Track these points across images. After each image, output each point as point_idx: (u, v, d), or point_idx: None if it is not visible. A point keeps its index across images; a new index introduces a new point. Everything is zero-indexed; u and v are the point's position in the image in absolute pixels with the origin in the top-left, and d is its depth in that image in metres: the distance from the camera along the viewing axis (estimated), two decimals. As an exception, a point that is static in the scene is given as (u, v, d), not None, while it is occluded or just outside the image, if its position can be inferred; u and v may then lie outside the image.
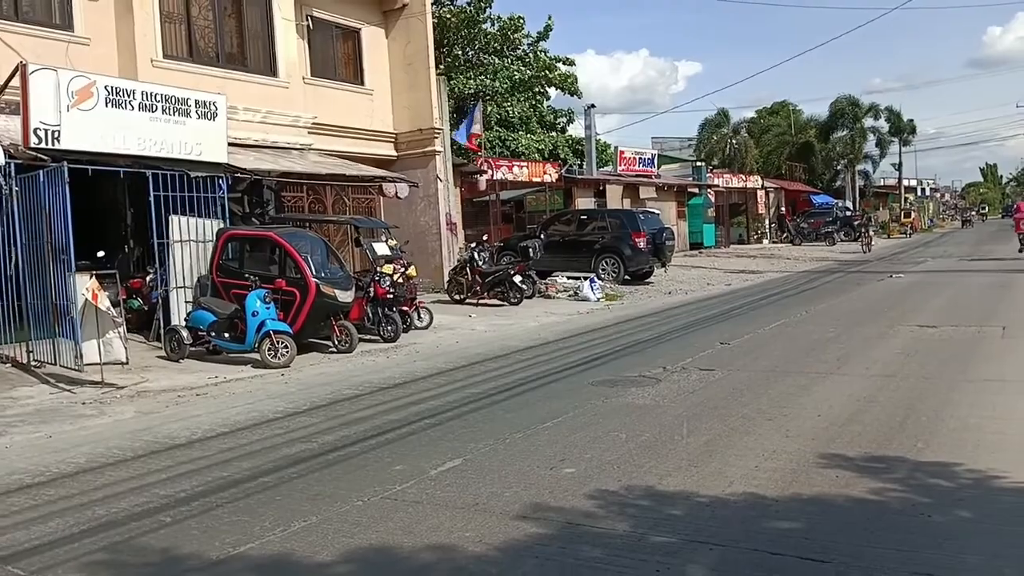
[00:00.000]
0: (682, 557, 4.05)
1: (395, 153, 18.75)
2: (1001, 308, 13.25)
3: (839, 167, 55.62)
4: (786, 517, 4.55)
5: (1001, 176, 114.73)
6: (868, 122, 54.48)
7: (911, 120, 58.84)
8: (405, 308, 12.63)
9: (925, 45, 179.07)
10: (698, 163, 39.18)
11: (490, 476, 5.38)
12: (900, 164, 61.38)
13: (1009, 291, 15.84)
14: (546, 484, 5.17)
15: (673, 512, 4.66)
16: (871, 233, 33.75)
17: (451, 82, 26.30)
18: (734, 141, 47.91)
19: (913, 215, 51.94)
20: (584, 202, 27.58)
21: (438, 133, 18.50)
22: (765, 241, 39.88)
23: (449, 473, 5.48)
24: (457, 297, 16.28)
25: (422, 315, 13.23)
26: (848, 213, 44.73)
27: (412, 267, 13.42)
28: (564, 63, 32.01)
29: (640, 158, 33.14)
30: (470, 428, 6.71)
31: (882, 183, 64.78)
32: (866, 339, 10.64)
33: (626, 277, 19.75)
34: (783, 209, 44.85)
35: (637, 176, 32.03)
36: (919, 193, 74.87)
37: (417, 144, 18.52)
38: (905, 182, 65.09)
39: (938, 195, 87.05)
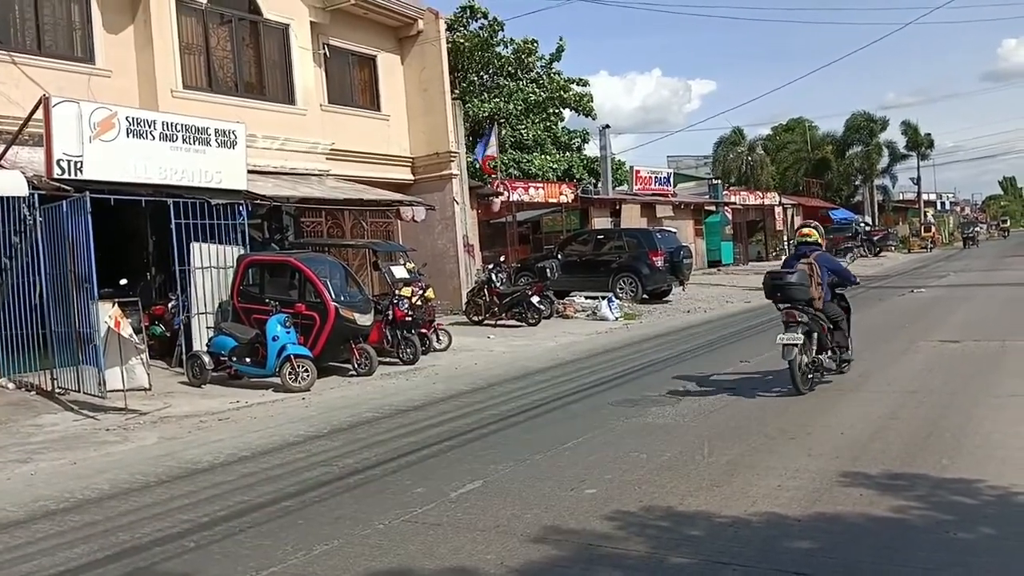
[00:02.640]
0: (704, 579, 4.02)
1: (412, 177, 18.89)
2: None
3: (857, 183, 55.34)
4: (809, 537, 4.51)
5: (1021, 188, 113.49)
6: (884, 137, 54.35)
7: (928, 134, 58.63)
8: (424, 330, 12.68)
9: (939, 59, 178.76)
10: (714, 181, 39.12)
11: (510, 498, 5.38)
12: (919, 178, 60.97)
13: (1033, 304, 15.65)
14: (567, 506, 5.16)
15: (694, 533, 4.63)
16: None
17: (466, 105, 26.52)
18: (750, 158, 47.85)
19: (933, 229, 51.47)
20: (600, 222, 27.60)
21: (454, 156, 18.64)
22: (784, 257, 39.63)
23: (469, 495, 5.49)
24: (475, 319, 16.32)
25: (441, 337, 13.27)
26: (868, 228, 44.44)
27: (430, 289, 13.49)
28: (578, 84, 32.17)
29: (656, 177, 33.15)
30: (490, 450, 6.72)
31: (901, 198, 64.32)
32: (888, 355, 10.55)
33: (644, 296, 19.71)
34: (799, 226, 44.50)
35: (653, 195, 32.02)
36: (938, 207, 73.92)
37: (434, 168, 18.67)
38: (924, 196, 64.60)
39: (958, 208, 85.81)
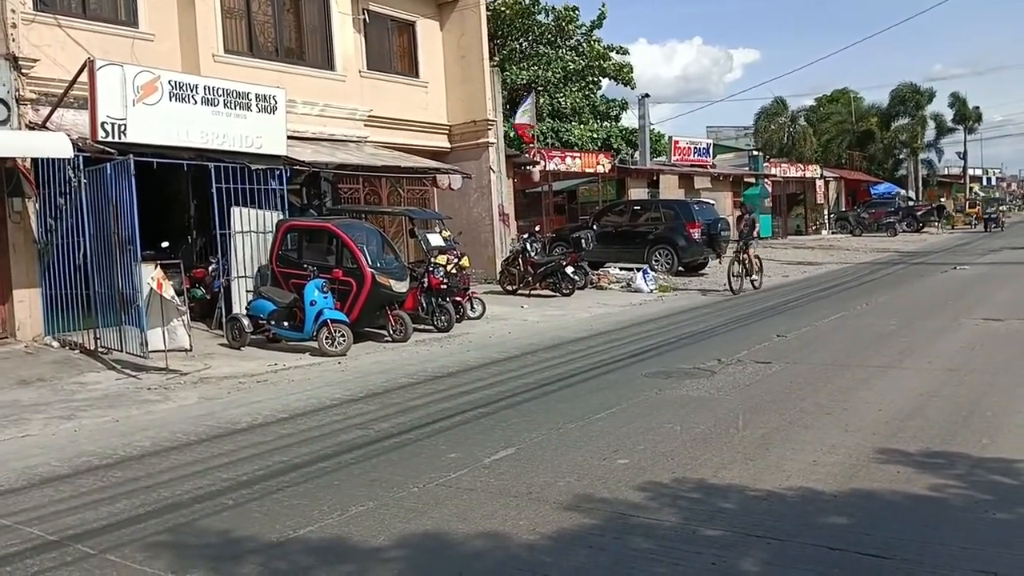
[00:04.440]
0: (737, 551, 4.02)
1: (449, 145, 18.86)
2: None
3: (901, 156, 54.01)
4: (845, 512, 4.47)
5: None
6: (930, 109, 52.88)
7: (977, 107, 56.92)
8: (458, 298, 12.73)
9: (990, 30, 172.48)
10: (755, 152, 38.44)
11: (543, 466, 5.41)
12: (965, 152, 59.37)
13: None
14: (599, 475, 5.17)
15: (727, 506, 4.62)
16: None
17: (504, 73, 26.30)
18: (792, 130, 46.89)
19: (978, 205, 49.98)
20: (637, 192, 27.35)
21: (491, 124, 18.56)
22: (824, 232, 38.98)
23: (502, 462, 5.53)
24: (509, 288, 16.34)
25: (475, 305, 13.32)
26: (911, 203, 43.45)
27: (465, 258, 13.51)
28: (617, 52, 31.69)
29: (695, 147, 32.68)
30: (523, 418, 6.75)
31: (946, 172, 62.66)
32: (929, 332, 10.35)
33: (680, 268, 19.54)
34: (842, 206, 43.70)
35: (692, 166, 31.60)
36: (984, 183, 71.70)
37: (471, 136, 18.61)
38: (970, 171, 62.89)
39: (1004, 184, 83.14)
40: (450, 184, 17.00)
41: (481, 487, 5.04)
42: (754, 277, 16.36)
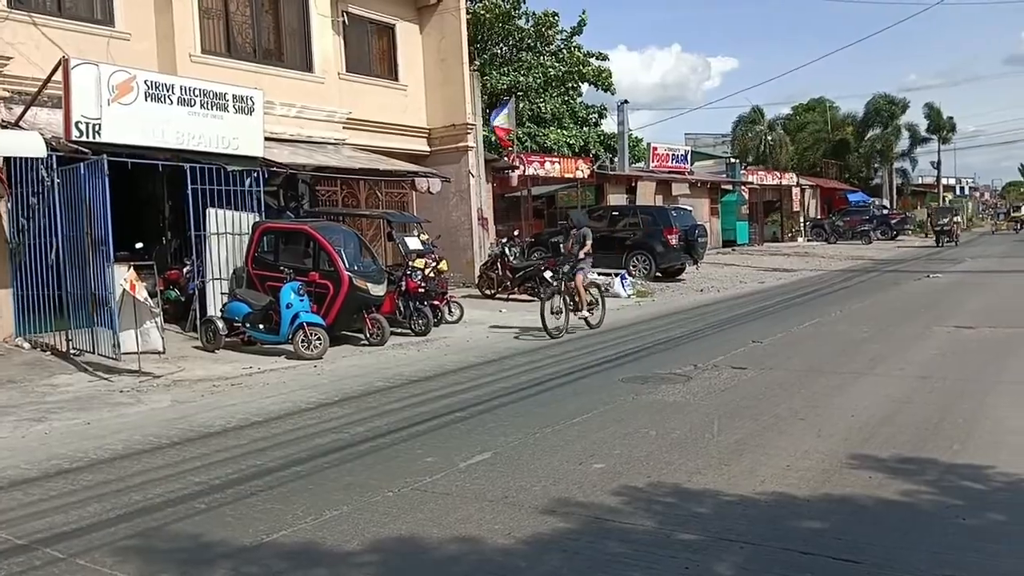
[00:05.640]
0: (710, 554, 4.03)
1: (428, 148, 18.83)
2: (1042, 310, 12.96)
3: (876, 165, 54.74)
4: (817, 517, 4.51)
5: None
6: (905, 119, 53.69)
7: (951, 117, 57.81)
8: (436, 302, 12.70)
9: (964, 42, 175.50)
10: (732, 160, 38.80)
11: (519, 470, 5.40)
12: (939, 162, 60.26)
13: (1051, 293, 15.50)
14: (574, 479, 5.18)
15: (701, 510, 4.64)
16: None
17: (484, 78, 26.32)
18: (769, 138, 47.38)
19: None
20: (616, 198, 27.47)
21: (471, 129, 18.55)
22: (800, 239, 39.38)
23: (479, 466, 5.52)
24: (488, 292, 16.33)
25: (453, 309, 13.30)
26: (885, 211, 44.01)
27: (443, 262, 13.49)
28: (597, 58, 31.85)
29: (673, 154, 32.91)
30: (500, 422, 6.75)
31: (920, 181, 63.55)
32: (902, 339, 10.48)
33: (657, 274, 19.65)
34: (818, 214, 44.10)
35: (670, 172, 31.82)
36: (957, 192, 72.75)
37: (450, 139, 18.59)
38: (944, 181, 63.81)
39: (977, 194, 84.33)
40: (429, 188, 16.98)
41: (457, 491, 5.02)
42: (584, 313, 12.09)
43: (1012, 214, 50.86)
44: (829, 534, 4.26)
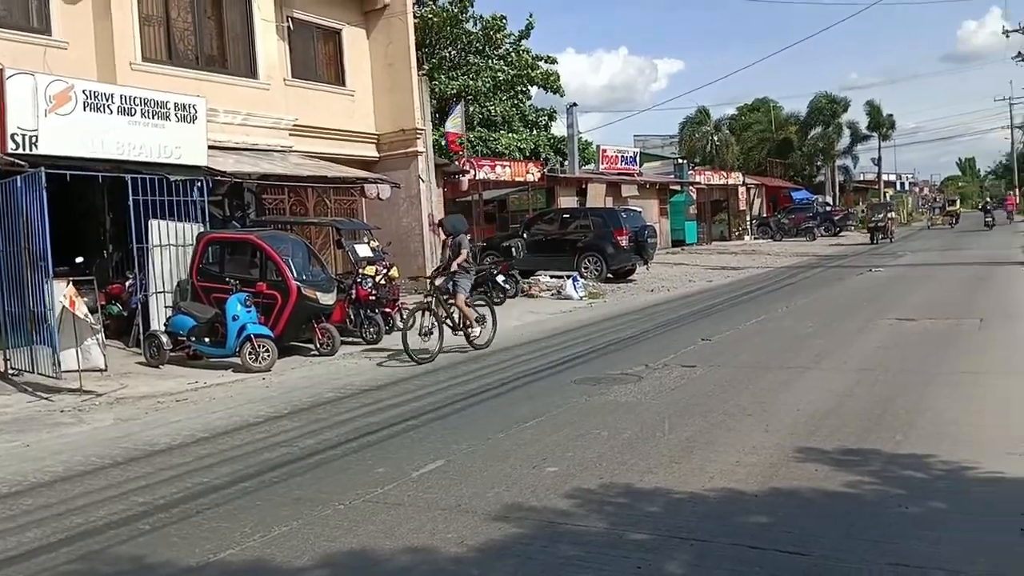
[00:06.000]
0: (661, 553, 4.07)
1: (377, 154, 18.70)
2: (979, 301, 13.39)
3: (819, 163, 56.04)
4: (765, 512, 4.59)
5: (979, 169, 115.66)
6: (847, 117, 55.09)
7: (891, 115, 59.42)
8: (387, 310, 12.60)
9: (903, 40, 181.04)
10: (680, 161, 39.33)
11: (472, 477, 5.39)
12: (879, 159, 61.80)
13: (986, 283, 16.02)
14: (528, 484, 5.18)
15: (652, 509, 4.68)
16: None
17: (433, 82, 26.26)
18: (715, 138, 48.15)
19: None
20: (566, 201, 27.62)
21: (420, 133, 18.47)
22: (747, 237, 40.08)
23: (431, 475, 5.48)
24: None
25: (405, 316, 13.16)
26: (828, 208, 45.05)
27: (394, 268, 13.39)
28: (546, 61, 32.03)
29: (622, 156, 33.24)
30: (452, 429, 6.72)
31: (862, 178, 65.21)
32: (845, 334, 10.73)
33: (609, 275, 19.82)
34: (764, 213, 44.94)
35: (619, 174, 32.11)
36: (898, 188, 74.74)
37: (399, 145, 18.48)
38: (885, 177, 65.53)
39: (917, 189, 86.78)
40: (378, 194, 16.85)
41: (409, 501, 4.99)
42: (474, 329, 10.87)
43: (947, 208, 49.99)
44: (777, 528, 4.33)
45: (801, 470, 5.22)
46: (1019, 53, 43.60)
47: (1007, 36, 43.33)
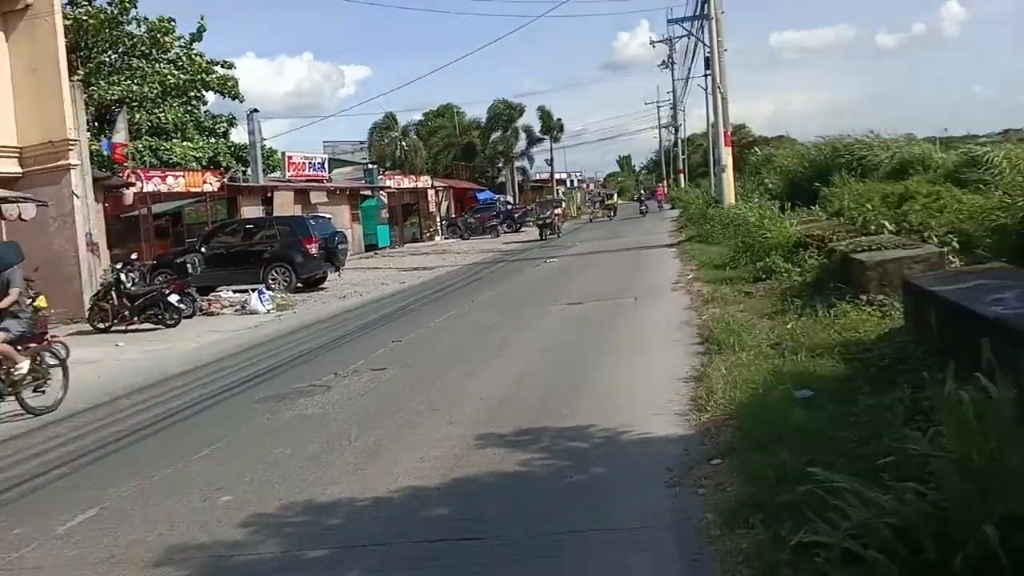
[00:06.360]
0: (342, 566, 3.94)
1: (20, 169, 16.24)
2: (635, 281, 15.00)
3: (500, 165, 59.64)
4: (447, 503, 4.64)
5: (635, 166, 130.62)
6: (522, 122, 59.33)
7: (560, 119, 64.88)
8: (33, 344, 10.89)
9: (568, 50, 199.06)
10: (370, 166, 39.45)
11: (131, 522, 4.79)
12: (552, 159, 67.24)
13: (641, 266, 18.04)
14: (197, 519, 4.72)
15: (334, 522, 4.51)
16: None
17: (91, 88, 23.54)
18: (404, 143, 49.04)
19: (564, 206, 55.96)
20: (251, 211, 26.29)
21: (73, 145, 16.35)
22: (438, 238, 41.34)
23: (81, 527, 4.79)
24: (102, 326, 14.47)
25: (56, 351, 11.46)
26: (510, 207, 48.06)
27: (41, 297, 11.62)
28: (222, 66, 30.28)
29: (310, 162, 32.52)
30: (110, 471, 5.94)
31: (538, 177, 70.52)
32: (524, 321, 11.39)
33: (299, 285, 19.16)
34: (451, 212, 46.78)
35: (307, 181, 31.35)
36: (569, 185, 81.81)
37: (48, 158, 16.20)
38: (557, 175, 71.51)
39: (584, 186, 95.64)
40: (20, 215, 14.69)
41: (51, 563, 4.30)
42: (26, 393, 8.23)
43: (606, 202, 53.15)
44: (456, 517, 4.40)
45: (480, 456, 5.37)
46: (663, 61, 49.99)
47: (653, 46, 49.26)
